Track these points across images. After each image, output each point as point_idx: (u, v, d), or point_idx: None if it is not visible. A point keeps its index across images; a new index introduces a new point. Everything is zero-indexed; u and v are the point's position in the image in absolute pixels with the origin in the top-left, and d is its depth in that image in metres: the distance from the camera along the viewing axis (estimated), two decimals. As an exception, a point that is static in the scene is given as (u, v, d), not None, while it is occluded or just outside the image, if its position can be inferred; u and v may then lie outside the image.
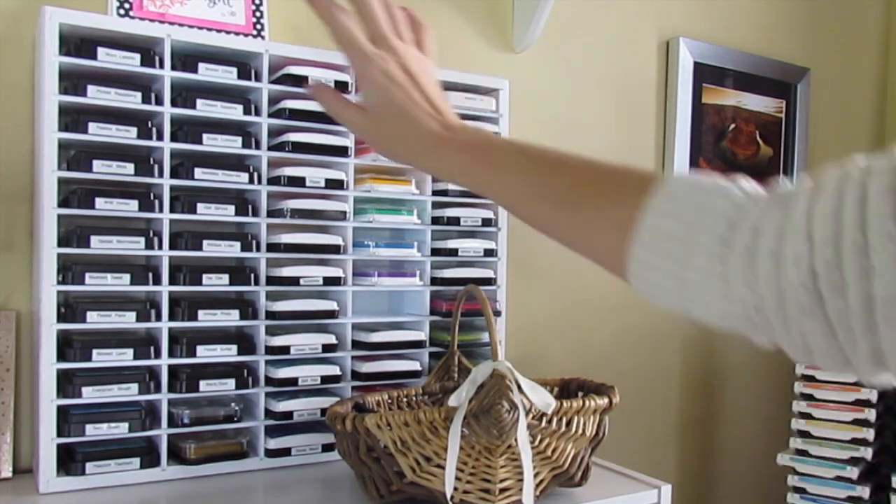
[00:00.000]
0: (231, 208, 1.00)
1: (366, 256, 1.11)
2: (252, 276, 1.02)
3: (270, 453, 1.03)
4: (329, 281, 1.07)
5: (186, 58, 0.98)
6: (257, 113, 1.03)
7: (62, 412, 0.92)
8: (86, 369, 0.93)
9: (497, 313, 1.20)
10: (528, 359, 1.43)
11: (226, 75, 1.00)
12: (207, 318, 0.99)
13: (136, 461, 0.95)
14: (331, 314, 1.07)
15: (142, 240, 0.95)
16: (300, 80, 1.04)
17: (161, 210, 0.96)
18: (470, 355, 1.16)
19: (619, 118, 1.59)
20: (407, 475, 0.85)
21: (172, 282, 0.97)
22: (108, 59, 0.93)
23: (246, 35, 1.09)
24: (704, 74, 1.67)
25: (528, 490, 0.85)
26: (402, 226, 1.15)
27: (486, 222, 1.20)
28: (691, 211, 0.44)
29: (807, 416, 1.52)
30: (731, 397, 1.82)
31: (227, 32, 1.07)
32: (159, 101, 0.96)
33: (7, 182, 1.01)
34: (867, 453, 1.45)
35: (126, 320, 0.94)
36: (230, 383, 1.00)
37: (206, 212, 0.99)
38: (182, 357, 0.97)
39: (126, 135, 0.94)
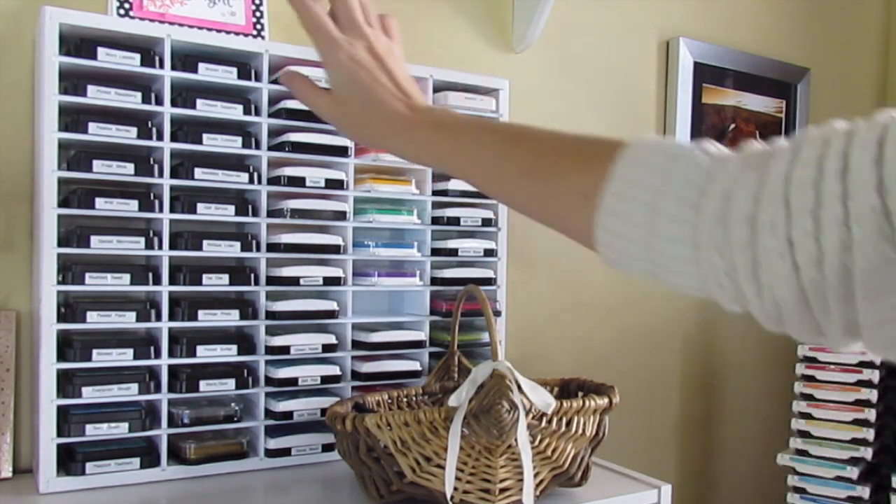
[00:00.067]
0: (231, 208, 1.00)
1: (366, 256, 1.11)
2: (252, 276, 1.02)
3: (270, 453, 1.03)
4: (329, 281, 1.07)
5: (186, 58, 0.98)
6: (257, 113, 1.03)
7: (62, 412, 0.92)
8: (86, 369, 0.93)
9: (497, 313, 1.20)
10: (528, 359, 1.43)
11: (226, 75, 1.00)
12: (207, 318, 0.99)
13: (136, 461, 0.95)
14: (331, 314, 1.07)
15: (142, 240, 0.95)
16: (300, 80, 1.04)
17: (161, 210, 0.96)
18: (470, 355, 1.16)
19: (619, 118, 1.59)
20: (407, 475, 0.85)
21: (172, 282, 0.97)
22: (108, 59, 0.93)
23: (246, 35, 1.09)
24: (704, 74, 1.67)
25: (528, 490, 0.85)
26: (402, 226, 1.15)
27: (486, 222, 1.20)
28: (658, 176, 0.43)
29: (807, 416, 1.52)
30: (731, 397, 1.82)
31: (227, 32, 1.07)
32: (159, 101, 0.96)
33: (7, 182, 1.01)
34: (867, 453, 1.45)
35: (126, 320, 0.94)
36: (230, 383, 1.00)
37: (206, 212, 0.99)
38: (182, 357, 0.97)
39: (126, 135, 0.94)
